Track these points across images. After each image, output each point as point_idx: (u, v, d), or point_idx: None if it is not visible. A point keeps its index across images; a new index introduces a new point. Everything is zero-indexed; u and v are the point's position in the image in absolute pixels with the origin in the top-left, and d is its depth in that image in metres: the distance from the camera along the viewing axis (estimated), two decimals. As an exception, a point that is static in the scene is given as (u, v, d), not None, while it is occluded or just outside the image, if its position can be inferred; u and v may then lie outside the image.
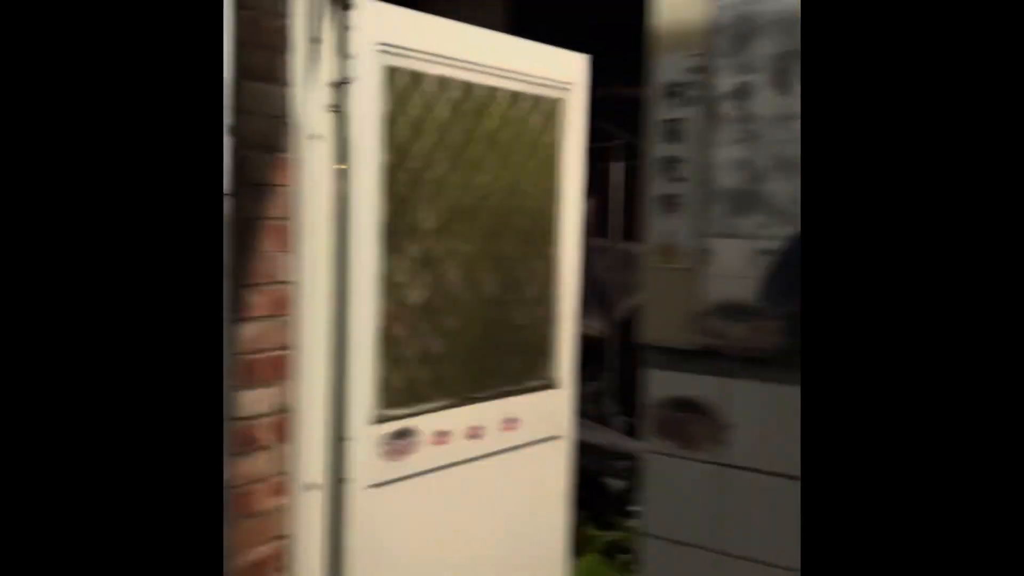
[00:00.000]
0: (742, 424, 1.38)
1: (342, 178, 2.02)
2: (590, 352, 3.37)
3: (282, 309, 2.13)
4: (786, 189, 1.51)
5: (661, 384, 1.44)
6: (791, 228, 1.49)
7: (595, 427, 3.02)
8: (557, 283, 2.44)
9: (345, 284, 2.02)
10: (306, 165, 2.13)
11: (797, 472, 1.38)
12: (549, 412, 2.43)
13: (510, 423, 2.32)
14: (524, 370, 2.37)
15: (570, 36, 2.47)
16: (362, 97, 1.97)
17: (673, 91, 1.42)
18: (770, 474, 1.38)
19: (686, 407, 1.40)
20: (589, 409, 3.35)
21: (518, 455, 2.35)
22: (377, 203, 2.01)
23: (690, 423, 1.39)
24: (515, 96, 2.27)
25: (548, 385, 2.43)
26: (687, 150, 1.42)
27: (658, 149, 1.42)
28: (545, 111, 2.36)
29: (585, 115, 2.44)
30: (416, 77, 2.05)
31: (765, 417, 1.37)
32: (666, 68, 1.43)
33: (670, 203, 1.43)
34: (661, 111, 1.43)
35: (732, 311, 1.39)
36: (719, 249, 1.54)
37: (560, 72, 2.37)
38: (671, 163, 1.43)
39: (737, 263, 1.50)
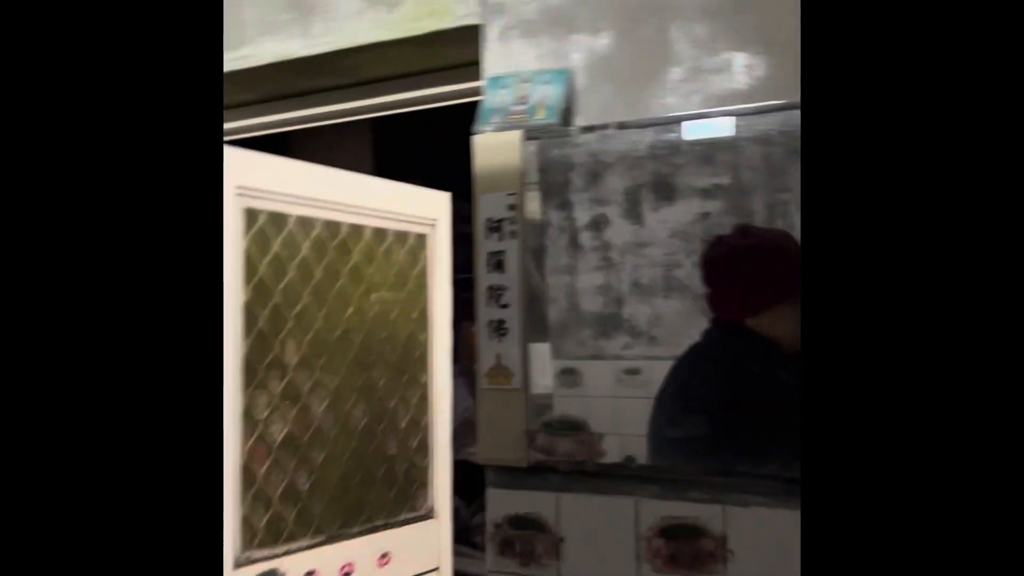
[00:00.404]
0: (575, 537, 1.42)
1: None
2: (479, 481, 3.35)
3: (139, 452, 2.09)
4: (644, 312, 1.60)
5: (499, 503, 1.47)
6: (653, 349, 1.58)
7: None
8: (430, 412, 2.47)
9: (205, 423, 2.00)
10: (167, 306, 2.15)
11: (626, 581, 1.41)
12: (425, 544, 2.40)
13: (384, 558, 2.28)
14: (397, 502, 2.36)
15: (435, 177, 2.61)
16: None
17: (494, 226, 1.53)
18: (603, 585, 1.41)
19: (524, 524, 1.43)
20: (477, 540, 3.30)
21: (393, 591, 2.30)
22: (238, 341, 2.02)
23: (528, 540, 1.42)
24: (380, 232, 2.36)
25: (423, 516, 2.41)
26: (510, 279, 1.51)
27: (485, 279, 1.51)
28: (411, 245, 2.45)
29: (450, 248, 2.55)
30: (277, 218, 2.12)
31: (595, 529, 1.41)
32: (486, 206, 1.54)
33: (498, 328, 1.51)
34: (485, 244, 1.53)
35: (560, 427, 1.45)
36: (584, 370, 1.62)
37: (424, 208, 2.48)
38: (497, 291, 1.52)
39: (603, 382, 1.57)
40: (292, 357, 2.13)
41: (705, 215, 1.60)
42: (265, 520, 2.04)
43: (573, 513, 1.42)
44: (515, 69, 1.66)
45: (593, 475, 1.41)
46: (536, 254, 1.57)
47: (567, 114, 1.60)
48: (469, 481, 3.13)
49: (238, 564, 1.97)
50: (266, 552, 2.03)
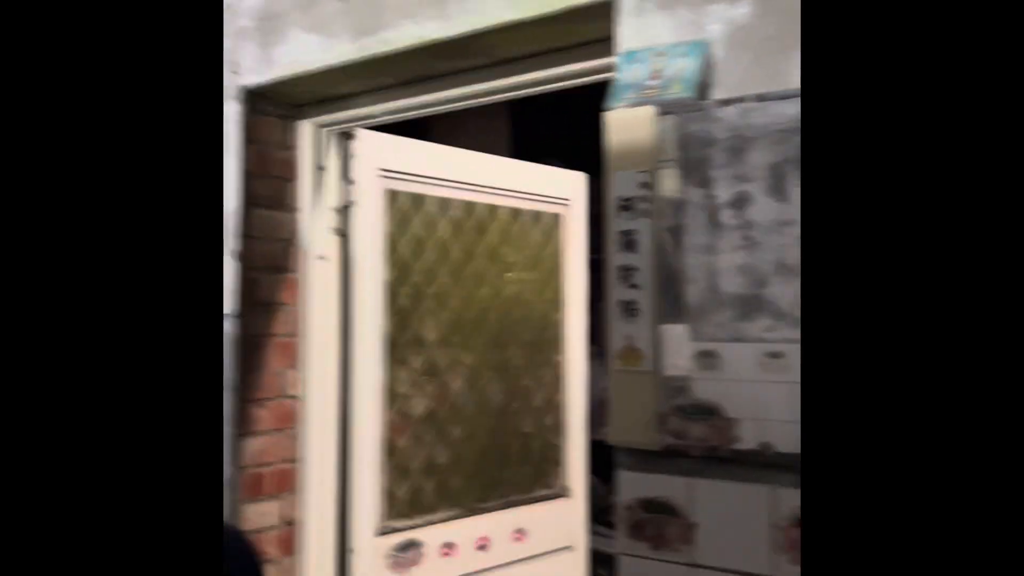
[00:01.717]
0: (707, 523, 1.38)
1: (347, 295, 2.13)
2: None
3: (288, 423, 2.21)
4: (788, 293, 1.54)
5: (630, 485, 1.44)
6: (797, 332, 1.51)
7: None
8: (565, 391, 2.47)
9: (350, 397, 2.09)
10: (313, 284, 2.26)
11: (760, 570, 1.36)
12: (560, 522, 2.42)
13: (519, 534, 2.32)
14: (533, 480, 2.38)
15: (575, 157, 2.60)
16: (365, 219, 2.09)
17: (625, 205, 1.50)
18: (736, 572, 1.37)
19: (655, 508, 1.41)
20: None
21: (528, 567, 2.33)
22: (381, 318, 2.10)
23: (659, 523, 1.40)
24: (515, 212, 2.38)
25: (559, 494, 2.43)
26: (641, 259, 1.48)
27: (615, 259, 1.48)
28: (546, 225, 2.46)
29: (586, 228, 2.53)
30: (417, 199, 2.18)
31: (729, 515, 1.37)
32: (618, 184, 1.51)
33: (629, 309, 1.48)
34: (616, 223, 1.50)
35: (693, 411, 1.41)
36: (724, 353, 1.57)
37: (558, 189, 2.48)
38: (628, 271, 1.48)
39: (743, 366, 1.53)
40: (431, 334, 2.19)
41: (856, 190, 1.51)
42: (407, 492, 2.12)
43: (706, 499, 1.38)
44: (651, 43, 1.61)
45: (727, 461, 1.37)
46: (674, 233, 1.52)
47: (703, 88, 1.54)
48: (608, 461, 3.13)
49: (380, 532, 2.06)
50: (406, 522, 2.11)
